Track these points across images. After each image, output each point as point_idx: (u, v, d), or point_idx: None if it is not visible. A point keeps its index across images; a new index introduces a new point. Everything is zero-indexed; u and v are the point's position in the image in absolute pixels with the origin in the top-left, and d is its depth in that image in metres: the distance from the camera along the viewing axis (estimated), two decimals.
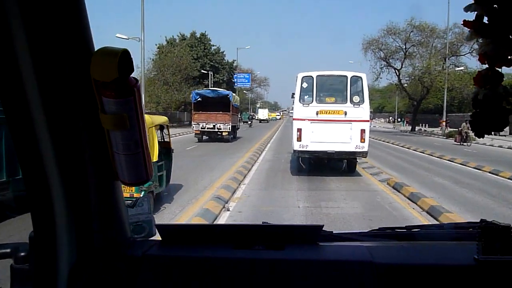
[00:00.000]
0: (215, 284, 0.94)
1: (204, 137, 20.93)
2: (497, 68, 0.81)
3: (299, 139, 9.50)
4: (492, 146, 20.48)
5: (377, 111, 70.24)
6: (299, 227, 1.31)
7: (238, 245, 1.02)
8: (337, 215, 6.18)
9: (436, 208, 6.26)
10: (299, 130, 9.53)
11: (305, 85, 9.66)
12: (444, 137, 27.67)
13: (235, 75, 50.90)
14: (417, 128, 36.81)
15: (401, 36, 33.11)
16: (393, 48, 34.02)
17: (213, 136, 20.70)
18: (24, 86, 0.78)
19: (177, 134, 23.84)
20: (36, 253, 0.90)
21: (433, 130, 33.87)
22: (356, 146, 9.41)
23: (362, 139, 9.39)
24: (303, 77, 9.71)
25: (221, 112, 20.50)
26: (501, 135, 26.43)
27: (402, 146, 20.31)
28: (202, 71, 41.28)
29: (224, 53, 48.35)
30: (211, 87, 39.35)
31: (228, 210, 6.52)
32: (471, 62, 32.82)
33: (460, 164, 13.26)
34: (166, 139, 7.44)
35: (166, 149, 7.18)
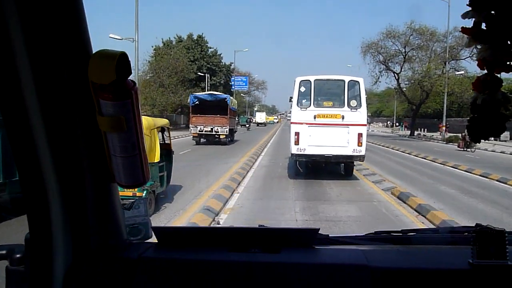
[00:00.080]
0: (211, 287, 0.93)
1: (202, 140, 21.06)
2: (496, 74, 0.81)
3: (296, 142, 9.55)
4: (494, 151, 19.95)
5: (375, 115, 70.01)
6: (295, 231, 1.28)
7: (234, 248, 1.01)
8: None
9: (448, 224, 5.66)
10: (297, 133, 9.58)
11: (303, 89, 9.72)
12: (444, 142, 27.17)
13: (233, 78, 50.33)
14: (416, 132, 36.35)
15: (401, 39, 32.68)
16: (392, 52, 33.61)
17: (211, 139, 20.83)
18: (22, 88, 0.78)
19: (173, 137, 23.27)
20: (32, 255, 0.89)
21: (433, 135, 33.41)
22: (354, 150, 9.47)
23: (359, 143, 9.44)
24: (301, 81, 9.75)
25: (218, 116, 20.62)
26: (501, 141, 26.08)
27: (402, 152, 19.76)
28: (199, 73, 40.74)
29: (221, 55, 47.82)
30: (207, 90, 38.97)
31: (218, 223, 5.89)
32: (471, 67, 32.47)
33: (465, 171, 12.70)
34: (167, 141, 7.65)
35: (166, 150, 7.35)
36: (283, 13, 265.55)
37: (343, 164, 10.78)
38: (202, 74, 40.74)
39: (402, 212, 6.90)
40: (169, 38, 44.21)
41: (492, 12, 0.78)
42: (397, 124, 54.06)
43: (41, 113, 0.81)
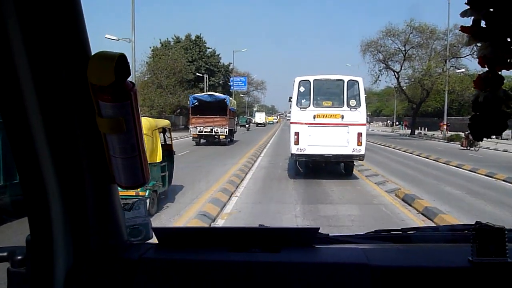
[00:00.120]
0: (211, 287, 0.94)
1: (202, 141, 21.19)
2: (497, 71, 0.80)
3: (296, 142, 9.56)
4: (497, 150, 19.63)
5: (374, 114, 69.71)
6: (295, 230, 1.28)
7: (235, 248, 1.02)
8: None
9: None
10: (297, 133, 9.58)
11: (302, 89, 9.73)
12: (446, 141, 26.86)
13: (232, 78, 50.01)
14: (416, 131, 36.03)
15: (401, 37, 32.35)
16: (392, 50, 33.28)
17: (211, 140, 20.95)
18: (22, 89, 0.78)
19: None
20: (33, 257, 0.90)
21: (433, 134, 33.10)
22: (353, 149, 9.49)
23: (359, 143, 9.46)
24: (300, 81, 9.75)
25: (218, 116, 20.73)
26: (503, 139, 25.78)
27: (404, 151, 19.47)
28: (197, 74, 40.39)
29: (220, 55, 47.48)
30: (206, 90, 38.69)
31: None
32: (472, 64, 32.12)
33: (470, 171, 12.40)
34: (168, 142, 7.79)
35: (168, 151, 7.46)
36: (281, 12, 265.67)
37: (343, 164, 10.78)
38: (201, 75, 40.40)
39: (408, 216, 6.59)
40: (167, 38, 43.92)
41: (491, 10, 0.77)
42: (397, 123, 53.74)
43: (41, 114, 0.81)
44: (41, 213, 0.87)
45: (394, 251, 1.10)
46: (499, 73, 0.83)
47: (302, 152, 9.56)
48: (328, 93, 10.43)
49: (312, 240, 1.06)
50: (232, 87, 49.61)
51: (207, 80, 41.10)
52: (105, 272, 0.94)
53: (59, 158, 0.85)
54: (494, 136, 1.11)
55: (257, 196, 8.14)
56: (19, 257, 0.93)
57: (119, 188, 0.98)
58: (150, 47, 40.89)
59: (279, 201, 7.73)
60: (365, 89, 10.55)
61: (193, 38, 44.36)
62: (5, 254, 0.94)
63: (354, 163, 10.42)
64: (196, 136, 21.00)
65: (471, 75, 31.31)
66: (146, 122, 6.41)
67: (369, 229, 1.29)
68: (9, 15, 0.73)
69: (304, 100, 9.78)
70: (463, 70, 31.38)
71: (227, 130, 20.94)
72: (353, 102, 9.56)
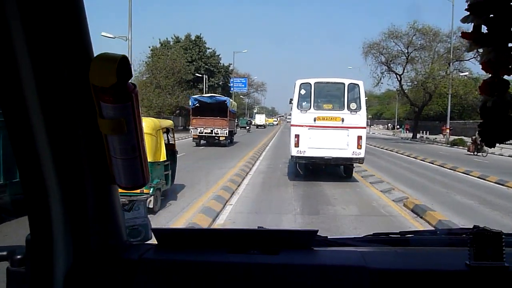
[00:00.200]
0: None
1: (202, 142, 21.39)
2: (501, 76, 0.80)
3: (296, 144, 9.62)
4: (502, 155, 18.98)
5: (375, 117, 69.09)
6: (294, 232, 1.25)
7: (233, 249, 1.02)
8: None
9: None
10: (297, 136, 9.64)
11: (303, 91, 9.80)
12: (449, 146, 26.29)
13: (232, 80, 49.47)
14: (418, 135, 35.44)
15: (403, 39, 31.76)
16: (394, 53, 32.69)
17: (211, 141, 21.13)
18: (24, 89, 0.79)
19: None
20: (33, 256, 0.90)
21: (436, 138, 32.55)
22: (353, 152, 9.55)
23: (359, 146, 9.53)
24: (301, 83, 9.84)
25: (218, 118, 20.93)
26: (509, 143, 25.15)
27: (407, 156, 18.89)
28: (197, 74, 39.87)
29: (220, 56, 46.98)
30: (205, 91, 38.22)
31: None
32: (476, 68, 31.58)
33: (478, 177, 11.80)
34: (171, 142, 7.96)
35: (171, 150, 7.60)
36: (282, 14, 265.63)
37: (342, 167, 10.88)
38: (200, 75, 39.87)
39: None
40: (167, 38, 43.40)
41: (491, 15, 0.76)
42: (398, 126, 53.13)
43: (43, 114, 0.81)
44: (41, 213, 0.87)
45: (392, 254, 1.10)
46: (504, 77, 0.81)
47: (302, 155, 9.60)
48: (328, 96, 10.52)
49: (311, 242, 1.06)
50: (232, 88, 49.07)
51: (207, 81, 40.57)
52: (104, 273, 0.93)
53: (60, 158, 0.86)
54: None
55: (253, 204, 7.56)
56: (18, 257, 0.93)
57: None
58: (149, 47, 40.40)
59: (278, 210, 7.14)
60: (365, 92, 10.65)
61: (193, 38, 43.85)
62: (4, 253, 0.94)
63: (355, 166, 10.37)
64: (197, 137, 21.23)
65: (475, 78, 30.75)
66: (150, 122, 6.64)
67: None
68: (12, 16, 0.74)
69: (305, 102, 9.79)
70: (466, 73, 30.82)
71: (227, 131, 21.11)
72: (353, 105, 9.61)
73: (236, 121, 30.90)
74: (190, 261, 0.97)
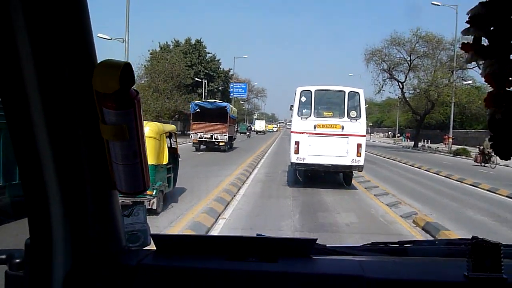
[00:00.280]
0: None
1: (202, 147, 21.64)
2: (506, 88, 0.80)
3: (296, 151, 9.62)
4: (507, 166, 18.32)
5: (375, 125, 68.67)
6: (292, 240, 1.34)
7: (232, 256, 1.02)
8: None
9: None
10: (297, 143, 9.65)
11: (303, 99, 9.82)
12: (452, 155, 25.68)
13: (231, 85, 48.99)
14: (419, 144, 34.86)
15: (406, 47, 31.35)
16: (397, 60, 32.28)
17: (210, 146, 21.35)
18: (28, 93, 0.80)
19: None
20: (32, 260, 0.90)
21: (438, 147, 31.95)
22: (352, 160, 9.57)
23: (358, 153, 9.55)
24: (302, 91, 9.87)
25: (218, 123, 21.16)
26: None
27: (411, 165, 18.31)
28: (196, 79, 39.38)
29: (220, 61, 46.56)
30: (204, 95, 37.71)
31: None
32: (479, 76, 31.02)
33: (488, 190, 11.17)
34: (174, 146, 8.16)
35: (173, 154, 7.77)
36: (284, 20, 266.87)
37: (342, 174, 10.95)
38: (200, 80, 39.38)
39: None
40: (166, 42, 43.01)
41: (492, 28, 0.76)
42: (398, 134, 52.59)
43: (46, 119, 0.81)
44: (42, 217, 0.87)
45: (391, 264, 1.11)
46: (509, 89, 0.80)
47: (301, 161, 9.61)
48: (329, 103, 10.58)
49: (310, 250, 1.06)
50: (231, 94, 48.55)
51: (206, 86, 40.06)
52: (103, 277, 0.93)
53: (62, 162, 0.86)
54: None
55: (248, 219, 6.92)
56: (17, 260, 0.93)
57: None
58: (148, 50, 39.97)
59: (275, 227, 6.45)
60: (366, 100, 11.13)
61: (193, 42, 43.48)
62: (3, 256, 0.94)
63: (358, 176, 10.37)
64: (197, 141, 21.51)
65: (478, 87, 30.24)
66: (154, 126, 6.87)
67: None
68: (18, 23, 0.75)
69: (305, 109, 9.81)
70: (470, 82, 30.34)
71: (227, 137, 21.34)
72: (353, 113, 9.63)
73: (236, 127, 31.06)
74: (189, 268, 0.98)
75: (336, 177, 11.64)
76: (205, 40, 47.10)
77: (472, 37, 0.78)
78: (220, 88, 46.04)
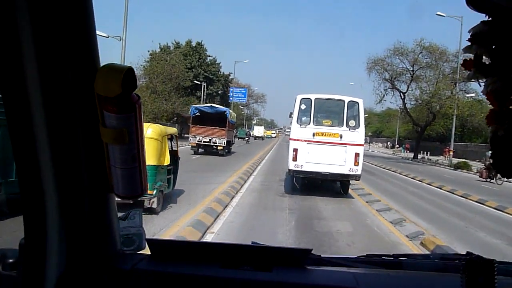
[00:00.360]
0: None
1: (200, 150, 21.68)
2: (509, 106, 0.79)
3: (294, 159, 9.65)
4: (509, 182, 17.77)
5: (374, 135, 68.22)
6: (288, 250, 1.32)
7: (226, 264, 1.02)
8: None
9: None
10: (295, 150, 9.68)
11: (303, 106, 9.87)
12: (452, 168, 25.15)
13: (231, 89, 48.53)
14: (419, 155, 34.35)
15: (409, 57, 31.01)
16: (399, 70, 31.89)
17: (209, 150, 21.38)
18: (29, 94, 0.80)
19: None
20: (25, 260, 0.90)
21: (438, 159, 31.45)
22: (350, 169, 9.59)
23: (356, 163, 9.57)
24: (302, 99, 9.92)
25: (217, 127, 21.33)
26: None
27: (412, 178, 17.79)
28: (195, 81, 38.87)
29: (220, 64, 46.14)
30: (203, 99, 37.19)
31: None
32: (482, 89, 30.67)
33: (495, 209, 10.61)
34: (174, 148, 8.36)
35: (174, 156, 7.91)
36: (287, 25, 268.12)
37: (339, 182, 11.04)
38: (199, 83, 38.88)
39: None
40: (167, 43, 42.54)
41: (493, 46, 0.77)
42: (398, 145, 52.10)
43: (46, 120, 0.82)
44: (37, 217, 0.87)
45: (384, 277, 1.10)
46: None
47: (299, 169, 9.64)
48: (328, 112, 10.62)
49: (304, 260, 1.07)
50: (231, 98, 48.06)
51: (205, 89, 39.56)
52: (97, 280, 0.93)
53: (60, 163, 0.86)
54: None
55: (240, 234, 6.26)
56: (10, 260, 0.92)
57: None
58: (148, 51, 39.47)
59: (270, 240, 5.81)
60: (366, 109, 11.37)
61: (194, 45, 43.07)
62: None
63: (358, 188, 10.48)
64: (195, 145, 21.61)
65: (481, 100, 29.82)
66: (157, 128, 7.07)
67: None
68: (22, 25, 0.75)
69: (305, 117, 9.87)
70: (473, 94, 29.93)
71: (225, 141, 21.45)
72: (352, 123, 9.67)
73: (234, 131, 30.87)
74: (183, 274, 0.98)
75: (334, 186, 11.53)
76: (206, 43, 46.57)
77: (473, 54, 0.78)
78: (219, 92, 45.57)
